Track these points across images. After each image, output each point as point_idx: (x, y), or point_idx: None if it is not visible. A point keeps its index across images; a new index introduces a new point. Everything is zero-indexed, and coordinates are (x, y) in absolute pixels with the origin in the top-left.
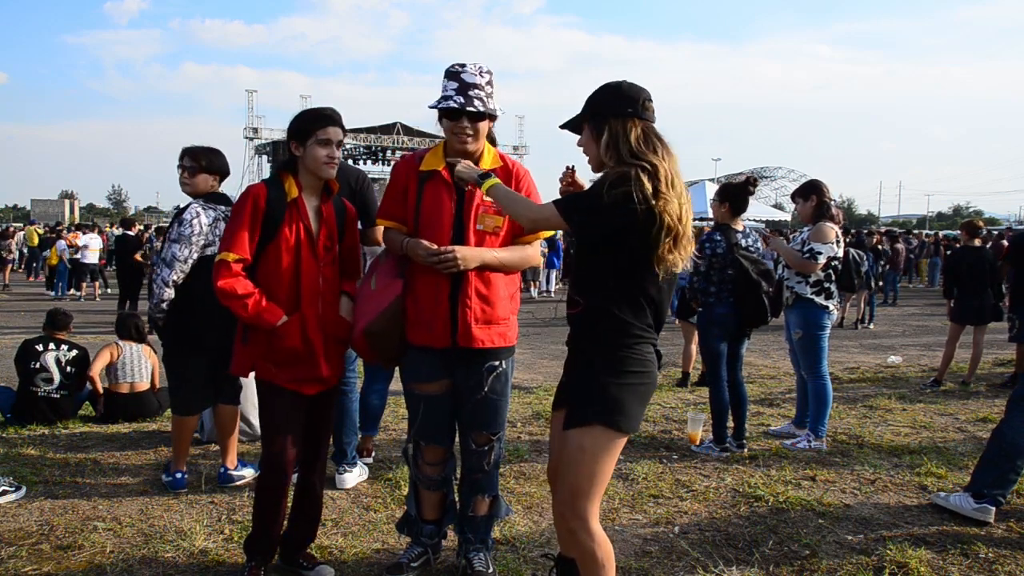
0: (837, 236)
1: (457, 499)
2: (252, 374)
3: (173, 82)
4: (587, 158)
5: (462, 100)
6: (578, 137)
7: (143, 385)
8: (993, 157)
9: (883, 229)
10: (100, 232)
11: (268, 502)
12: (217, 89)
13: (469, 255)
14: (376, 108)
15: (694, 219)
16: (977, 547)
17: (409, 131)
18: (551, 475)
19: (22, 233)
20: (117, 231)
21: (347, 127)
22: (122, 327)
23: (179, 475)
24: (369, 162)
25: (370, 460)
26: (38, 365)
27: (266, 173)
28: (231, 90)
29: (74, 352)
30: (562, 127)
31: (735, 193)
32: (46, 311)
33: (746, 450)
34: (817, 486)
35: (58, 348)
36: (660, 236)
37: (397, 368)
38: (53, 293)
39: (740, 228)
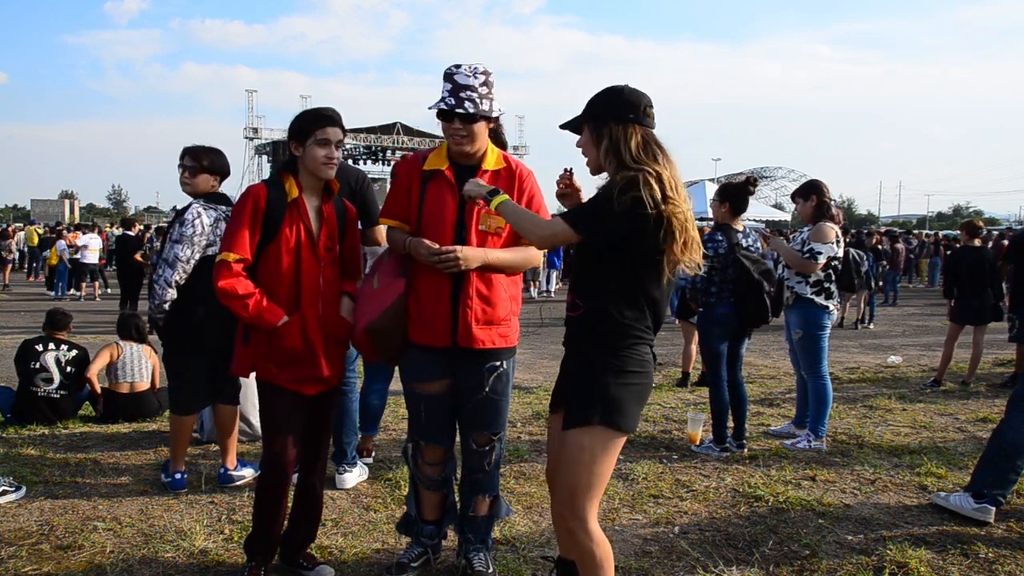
0: (837, 236)
1: (457, 499)
2: (253, 374)
3: (173, 82)
4: (585, 159)
5: (453, 102)
6: (577, 138)
7: (143, 385)
8: (993, 157)
9: (883, 229)
10: (100, 232)
11: (268, 502)
12: (217, 89)
13: (471, 255)
14: (376, 108)
15: (695, 219)
16: (977, 547)
17: (409, 131)
18: (550, 476)
19: (22, 233)
20: (117, 231)
21: (347, 127)
22: (123, 327)
23: (178, 475)
24: (369, 162)
25: (370, 460)
26: (38, 365)
27: (266, 173)
28: (231, 90)
29: (74, 352)
30: (562, 127)
31: (735, 193)
32: (46, 311)
33: (746, 450)
34: (817, 486)
35: (58, 348)
36: (670, 240)
37: (397, 368)
38: (53, 293)
39: (740, 228)
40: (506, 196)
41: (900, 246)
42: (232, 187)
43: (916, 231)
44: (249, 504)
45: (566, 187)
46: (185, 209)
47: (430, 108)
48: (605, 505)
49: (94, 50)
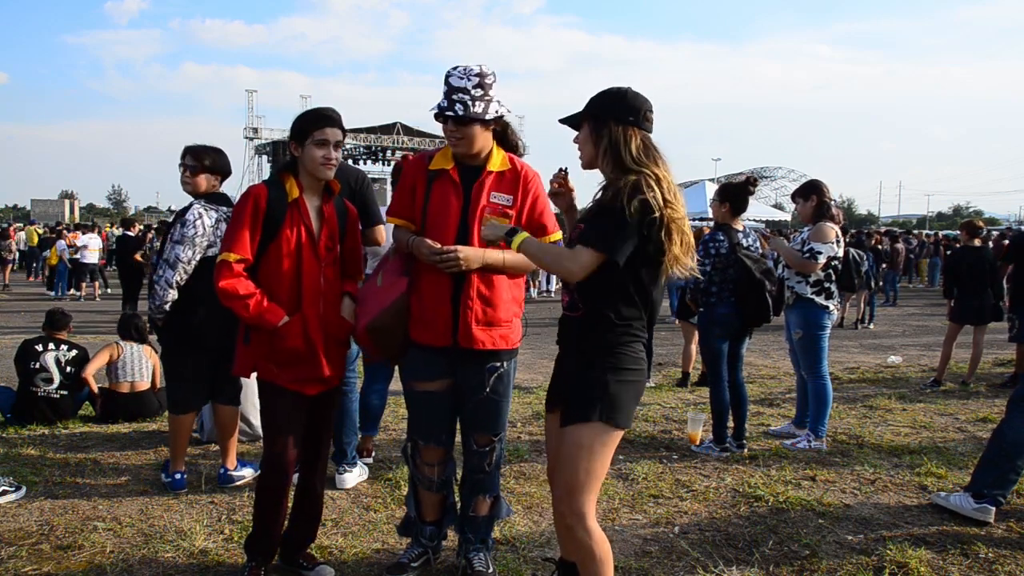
0: (837, 236)
1: (458, 500)
2: (253, 375)
3: (173, 82)
4: (579, 154)
5: (445, 104)
6: (575, 133)
7: (143, 385)
8: (993, 157)
9: (883, 229)
10: (100, 232)
11: (269, 502)
12: (217, 89)
13: (472, 255)
14: (376, 108)
15: (694, 219)
16: (977, 547)
17: (409, 131)
18: (551, 475)
19: (23, 233)
20: (117, 231)
21: (347, 127)
22: (123, 327)
23: (178, 476)
24: (369, 162)
25: (370, 460)
26: (38, 365)
27: (266, 173)
28: (231, 90)
29: (74, 352)
30: (562, 121)
31: (735, 193)
32: (46, 311)
33: (746, 450)
34: (817, 486)
35: (58, 348)
36: (669, 242)
37: (397, 368)
38: (53, 293)
39: (740, 228)
40: (526, 234)
41: (900, 246)
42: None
43: (916, 231)
44: (249, 504)
45: (559, 187)
46: (186, 209)
47: (430, 111)
48: (605, 505)
49: (94, 50)
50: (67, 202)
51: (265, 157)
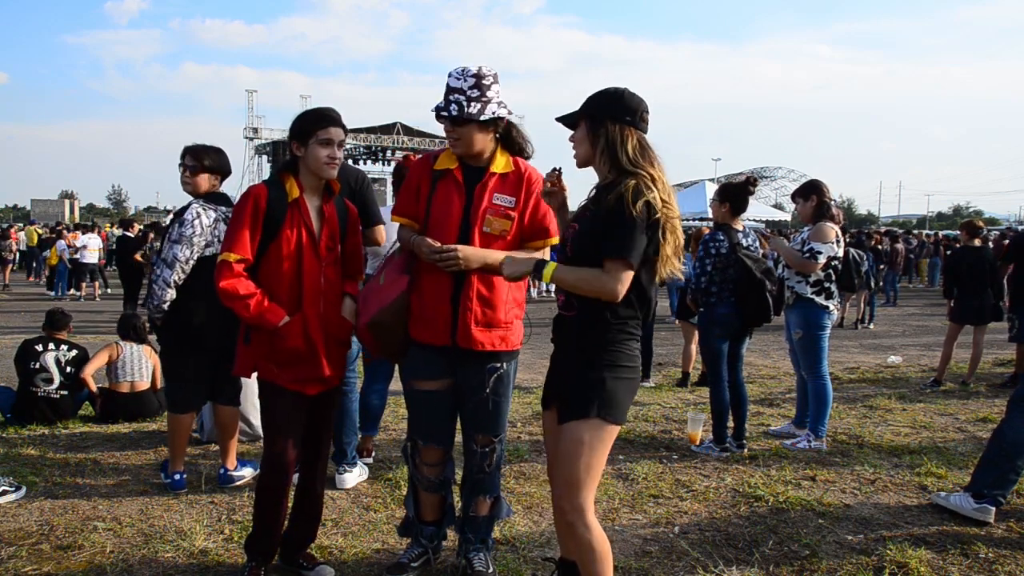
0: (837, 236)
1: (458, 500)
2: (253, 374)
3: (173, 82)
4: (574, 152)
5: (442, 105)
6: (570, 132)
7: (143, 384)
8: (993, 157)
9: (883, 229)
10: (100, 232)
11: (269, 502)
12: (217, 89)
13: (471, 255)
14: (376, 108)
15: (694, 219)
16: (977, 547)
17: (409, 131)
18: (551, 473)
19: (23, 233)
20: (117, 231)
21: (347, 127)
22: (123, 327)
23: (177, 476)
24: (369, 162)
25: (370, 460)
26: (38, 365)
27: (266, 173)
28: (231, 90)
29: (74, 352)
30: (558, 119)
31: (735, 193)
32: (46, 311)
33: (746, 450)
34: (817, 486)
35: (58, 348)
36: (666, 242)
37: (397, 368)
38: (53, 293)
39: (740, 228)
40: (554, 264)
41: (900, 246)
42: (232, 187)
43: (916, 231)
44: (249, 504)
45: (552, 185)
46: (184, 209)
47: (431, 111)
48: (605, 505)
49: (94, 50)
50: (67, 202)
51: (265, 157)
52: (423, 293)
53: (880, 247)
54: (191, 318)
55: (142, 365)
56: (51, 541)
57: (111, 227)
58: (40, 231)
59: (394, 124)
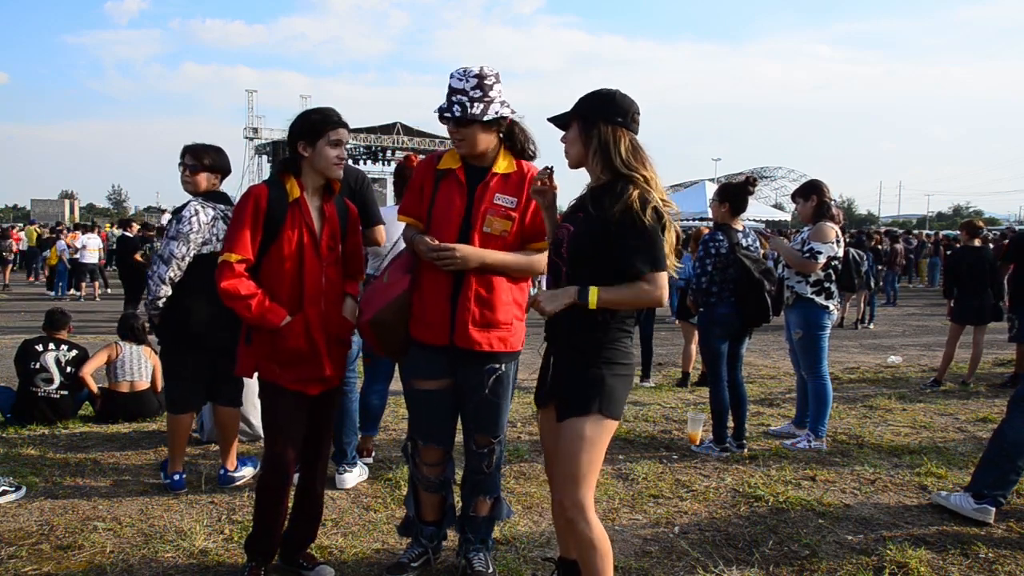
0: (837, 236)
1: (458, 500)
2: (254, 374)
3: (173, 82)
4: (566, 153)
5: (444, 106)
6: (562, 133)
7: (143, 384)
8: (993, 157)
9: (883, 229)
10: (99, 232)
11: (269, 502)
12: (217, 89)
13: (470, 254)
14: (376, 108)
15: (694, 219)
16: (977, 547)
17: (409, 131)
18: (549, 470)
19: (23, 233)
20: (117, 231)
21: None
22: (123, 327)
23: (177, 477)
24: (369, 162)
25: (370, 460)
26: (38, 365)
27: (266, 173)
28: (231, 90)
29: (74, 352)
30: (550, 120)
31: (735, 193)
32: (46, 311)
33: (746, 450)
34: (817, 486)
35: (58, 348)
36: (666, 240)
37: (397, 368)
38: (53, 293)
39: (740, 228)
40: (595, 289)
41: (900, 246)
42: (232, 187)
43: (916, 231)
44: (249, 504)
45: (543, 184)
46: (183, 207)
47: (433, 112)
48: (605, 505)
49: (94, 50)
50: (67, 202)
51: (265, 157)
52: (423, 292)
53: (880, 247)
54: (188, 316)
55: (141, 365)
56: (51, 541)
57: (111, 227)
58: (39, 231)
59: (394, 124)
